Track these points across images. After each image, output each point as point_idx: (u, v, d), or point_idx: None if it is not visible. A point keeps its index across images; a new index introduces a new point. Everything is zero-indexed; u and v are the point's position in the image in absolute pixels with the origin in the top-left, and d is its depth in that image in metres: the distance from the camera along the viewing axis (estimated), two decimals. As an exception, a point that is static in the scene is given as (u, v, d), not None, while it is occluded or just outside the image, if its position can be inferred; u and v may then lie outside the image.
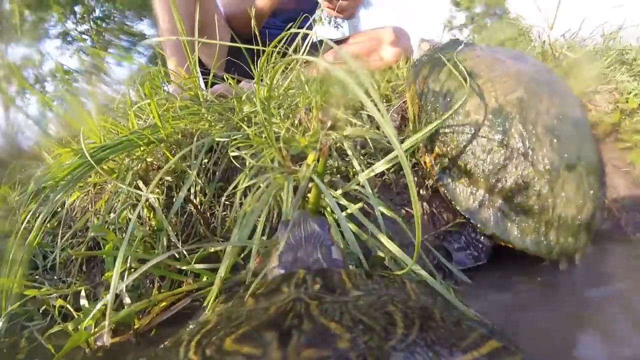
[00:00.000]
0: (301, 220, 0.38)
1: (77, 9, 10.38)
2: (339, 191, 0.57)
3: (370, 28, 1.57)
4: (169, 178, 0.66)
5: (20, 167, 0.93)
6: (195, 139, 0.68)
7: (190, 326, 0.28)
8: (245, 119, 0.79)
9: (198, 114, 0.78)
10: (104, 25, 10.94)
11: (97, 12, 10.69)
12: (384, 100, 0.92)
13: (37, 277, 0.65)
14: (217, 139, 0.66)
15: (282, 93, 0.91)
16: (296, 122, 0.83)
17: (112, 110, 0.89)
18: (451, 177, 0.58)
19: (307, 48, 0.84)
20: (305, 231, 0.35)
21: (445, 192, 0.58)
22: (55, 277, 0.64)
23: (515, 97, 0.55)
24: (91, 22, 10.66)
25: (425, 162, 0.64)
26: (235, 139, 0.68)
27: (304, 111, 0.87)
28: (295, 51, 0.88)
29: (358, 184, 0.56)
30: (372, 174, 0.56)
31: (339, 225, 0.51)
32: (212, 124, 0.78)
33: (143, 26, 11.03)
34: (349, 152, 0.61)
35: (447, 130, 0.59)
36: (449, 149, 0.58)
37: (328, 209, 0.54)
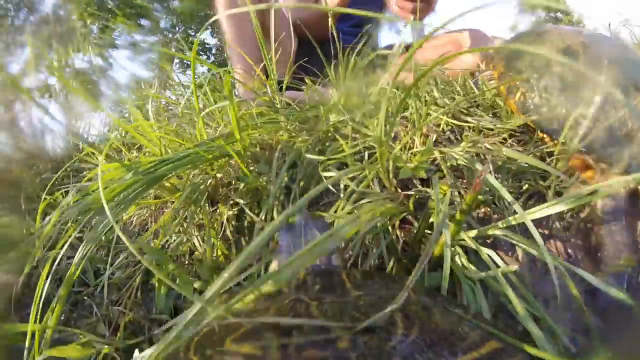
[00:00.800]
0: (302, 225, 0.42)
1: (143, 21, 12.49)
2: (472, 232, 0.50)
3: (446, 31, 1.57)
4: (240, 200, 0.66)
5: (75, 171, 1.00)
6: (276, 153, 0.68)
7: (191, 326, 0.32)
8: (332, 129, 0.79)
9: (277, 123, 0.79)
10: (169, 36, 13.34)
11: (163, 24, 13.05)
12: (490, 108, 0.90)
13: (85, 298, 0.66)
14: (307, 156, 0.66)
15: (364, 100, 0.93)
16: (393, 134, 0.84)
17: (177, 116, 0.93)
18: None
19: (378, 53, 0.88)
20: (306, 236, 0.39)
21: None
22: (106, 301, 0.64)
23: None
24: (158, 34, 12.96)
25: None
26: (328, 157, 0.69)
27: (401, 121, 0.85)
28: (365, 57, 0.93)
29: (508, 226, 0.48)
30: (542, 212, 0.46)
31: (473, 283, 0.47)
32: (293, 134, 0.78)
33: (204, 35, 13.10)
34: (492, 180, 0.50)
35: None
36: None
37: (461, 259, 0.48)
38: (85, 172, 0.96)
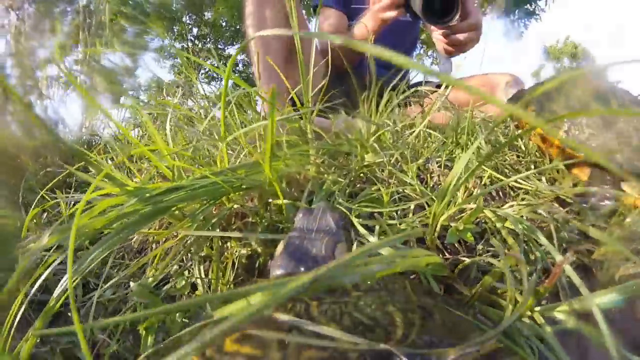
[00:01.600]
0: (320, 212, 0.50)
1: (176, 28, 14.34)
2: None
3: (482, 72, 1.75)
4: (253, 243, 0.65)
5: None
6: (305, 191, 0.69)
7: (191, 326, 0.34)
8: (366, 170, 0.82)
9: (306, 155, 0.80)
10: (199, 45, 15.26)
11: (195, 32, 15.02)
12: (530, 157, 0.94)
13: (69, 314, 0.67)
14: (339, 201, 0.66)
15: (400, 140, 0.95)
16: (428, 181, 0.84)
17: (197, 132, 0.94)
18: None
19: (409, 89, 0.97)
20: (319, 223, 0.47)
21: None
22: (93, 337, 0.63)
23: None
24: (188, 41, 14.87)
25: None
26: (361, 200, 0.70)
27: (435, 165, 0.86)
28: (396, 92, 0.99)
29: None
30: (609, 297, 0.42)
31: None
32: (322, 169, 0.80)
33: (232, 51, 15.28)
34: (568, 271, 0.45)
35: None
36: None
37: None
38: (91, 173, 0.92)
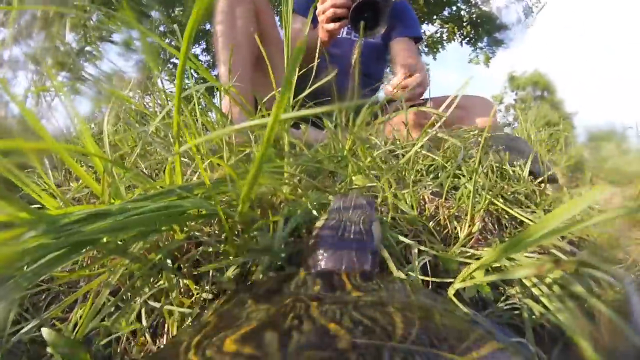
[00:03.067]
0: (354, 195, 0.64)
1: (144, 23, 16.89)
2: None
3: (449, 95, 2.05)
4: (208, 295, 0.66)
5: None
6: (280, 218, 0.70)
7: (191, 327, 0.39)
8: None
9: (281, 173, 0.83)
10: (165, 41, 18.11)
11: (162, 29, 15.98)
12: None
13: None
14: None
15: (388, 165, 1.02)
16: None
17: (147, 133, 0.94)
18: None
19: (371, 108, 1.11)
20: (354, 202, 0.61)
21: None
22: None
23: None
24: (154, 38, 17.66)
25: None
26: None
27: (427, 193, 0.92)
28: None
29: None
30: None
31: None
32: (300, 190, 0.83)
33: (198, 50, 16.44)
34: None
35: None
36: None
37: None
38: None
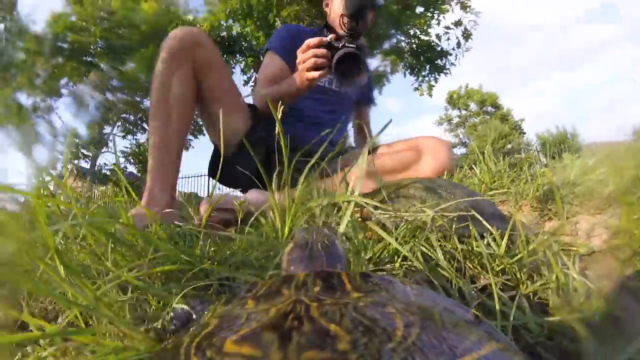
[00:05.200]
0: (315, 227, 0.62)
1: (94, 76, 17.33)
2: None
3: (412, 136, 2.16)
4: None
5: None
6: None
7: (191, 328, 0.39)
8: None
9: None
10: (116, 96, 18.75)
11: (114, 83, 18.10)
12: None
13: None
14: None
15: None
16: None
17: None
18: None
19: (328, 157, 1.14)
20: (316, 230, 0.60)
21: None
22: None
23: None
24: (105, 91, 17.97)
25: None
26: None
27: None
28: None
29: None
30: None
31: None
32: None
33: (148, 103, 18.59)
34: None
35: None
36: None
37: None
38: None
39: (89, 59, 17.43)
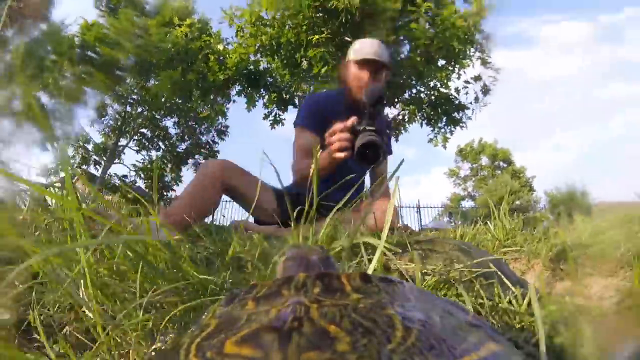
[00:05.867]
0: (307, 247, 0.61)
1: (119, 89, 17.95)
2: None
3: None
4: None
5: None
6: None
7: (192, 329, 0.39)
8: None
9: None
10: (137, 111, 19.23)
11: (135, 97, 18.38)
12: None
13: None
14: None
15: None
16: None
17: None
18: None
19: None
20: (306, 249, 0.60)
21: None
22: None
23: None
24: (127, 104, 18.57)
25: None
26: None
27: None
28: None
29: None
30: None
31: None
32: None
33: (169, 123, 19.73)
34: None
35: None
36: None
37: None
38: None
39: (116, 72, 17.86)
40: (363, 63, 2.65)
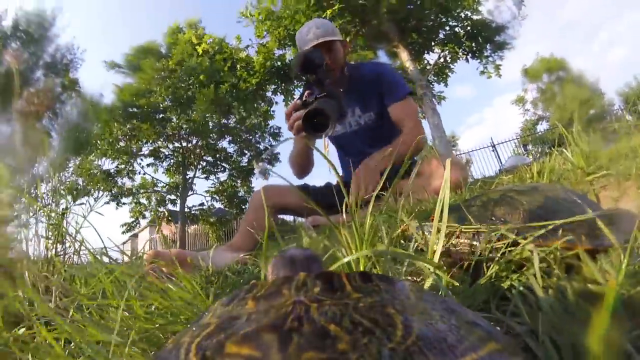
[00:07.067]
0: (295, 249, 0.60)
1: (167, 128, 19.28)
2: None
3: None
4: None
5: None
6: None
7: (192, 329, 0.39)
8: None
9: None
10: (191, 142, 20.48)
11: (185, 131, 19.61)
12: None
13: None
14: None
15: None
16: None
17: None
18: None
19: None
20: (294, 251, 0.58)
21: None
22: None
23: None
24: (181, 140, 19.76)
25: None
26: None
27: None
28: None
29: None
30: None
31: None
32: None
33: (225, 143, 21.13)
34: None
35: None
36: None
37: None
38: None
39: (160, 116, 19.67)
40: None
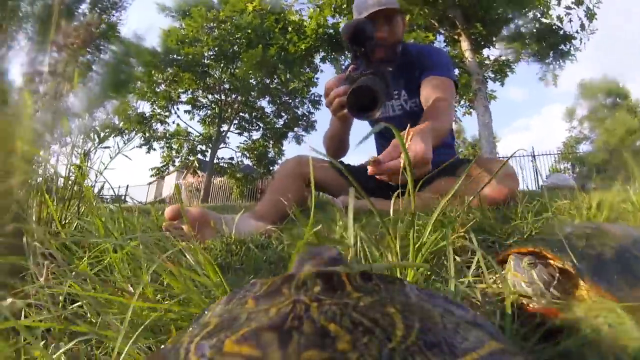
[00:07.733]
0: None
1: (209, 80, 19.48)
2: None
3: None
4: None
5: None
6: None
7: (191, 328, 0.39)
8: None
9: None
10: (231, 97, 20.49)
11: (226, 85, 19.76)
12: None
13: None
14: None
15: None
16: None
17: None
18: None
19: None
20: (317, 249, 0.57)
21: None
22: None
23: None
24: (221, 93, 19.87)
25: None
26: None
27: None
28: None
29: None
30: None
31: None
32: None
33: (264, 103, 21.20)
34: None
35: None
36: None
37: None
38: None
39: (202, 69, 19.54)
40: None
